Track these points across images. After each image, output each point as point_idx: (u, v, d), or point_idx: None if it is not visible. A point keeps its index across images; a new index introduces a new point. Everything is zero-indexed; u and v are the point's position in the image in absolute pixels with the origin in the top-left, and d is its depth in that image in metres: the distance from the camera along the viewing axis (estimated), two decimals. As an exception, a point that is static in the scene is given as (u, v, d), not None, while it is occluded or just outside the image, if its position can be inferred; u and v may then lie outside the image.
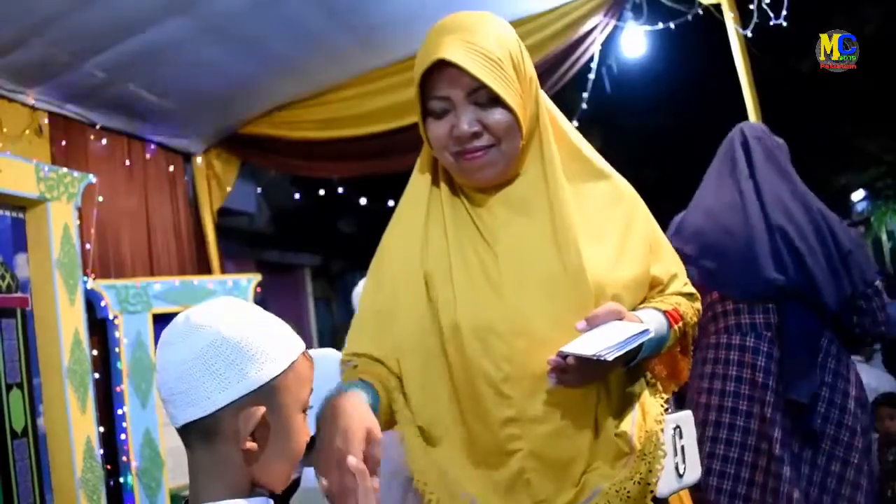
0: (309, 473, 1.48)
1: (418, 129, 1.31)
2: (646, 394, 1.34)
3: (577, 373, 1.17)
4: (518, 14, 3.49)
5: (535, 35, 3.51)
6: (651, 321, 1.26)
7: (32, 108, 3.35)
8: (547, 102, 1.36)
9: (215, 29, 3.16)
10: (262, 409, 0.93)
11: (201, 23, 3.08)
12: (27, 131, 3.29)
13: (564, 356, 1.15)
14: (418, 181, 1.40)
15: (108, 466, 3.26)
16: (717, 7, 3.15)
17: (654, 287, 1.38)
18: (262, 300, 3.97)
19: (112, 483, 3.28)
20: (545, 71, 3.42)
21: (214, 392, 0.91)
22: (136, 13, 2.91)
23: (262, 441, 0.95)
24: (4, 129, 3.18)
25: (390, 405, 1.29)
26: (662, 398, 1.37)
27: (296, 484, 1.62)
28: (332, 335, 9.42)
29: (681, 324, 1.34)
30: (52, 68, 3.20)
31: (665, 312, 1.31)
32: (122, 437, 3.37)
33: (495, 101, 1.22)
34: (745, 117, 3.01)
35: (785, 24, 2.92)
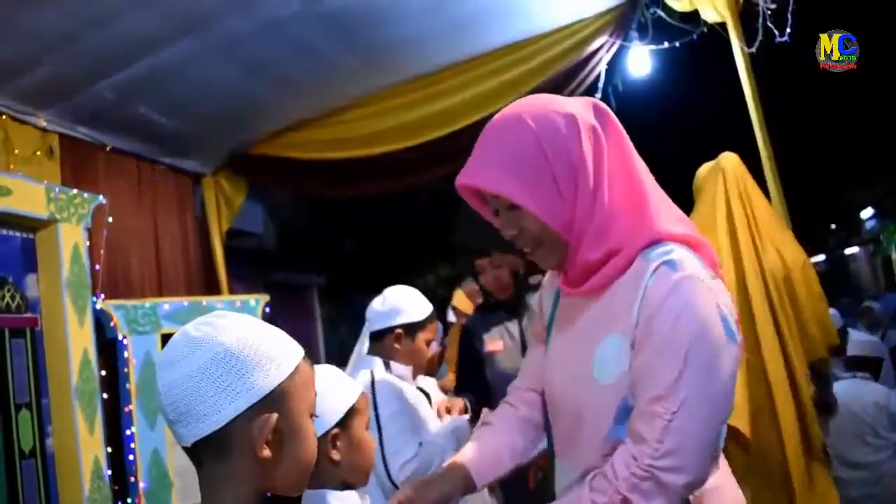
0: None
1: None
2: None
3: None
4: (525, 33, 3.52)
5: (542, 55, 3.53)
6: None
7: (44, 129, 3.38)
8: None
9: (225, 51, 3.19)
10: (275, 416, 0.92)
11: (211, 45, 3.11)
12: (38, 153, 3.31)
13: None
14: None
15: (116, 487, 3.25)
16: (723, 26, 3.16)
17: None
18: (271, 320, 3.97)
19: (120, 504, 3.27)
20: (552, 90, 3.42)
21: (224, 404, 0.91)
22: (147, 36, 2.95)
23: (276, 447, 0.94)
24: (16, 151, 3.20)
25: None
26: None
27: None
28: (340, 355, 9.40)
29: None
30: (63, 91, 3.24)
31: None
32: (130, 457, 3.35)
33: None
34: (752, 135, 3.01)
35: (789, 41, 2.92)
